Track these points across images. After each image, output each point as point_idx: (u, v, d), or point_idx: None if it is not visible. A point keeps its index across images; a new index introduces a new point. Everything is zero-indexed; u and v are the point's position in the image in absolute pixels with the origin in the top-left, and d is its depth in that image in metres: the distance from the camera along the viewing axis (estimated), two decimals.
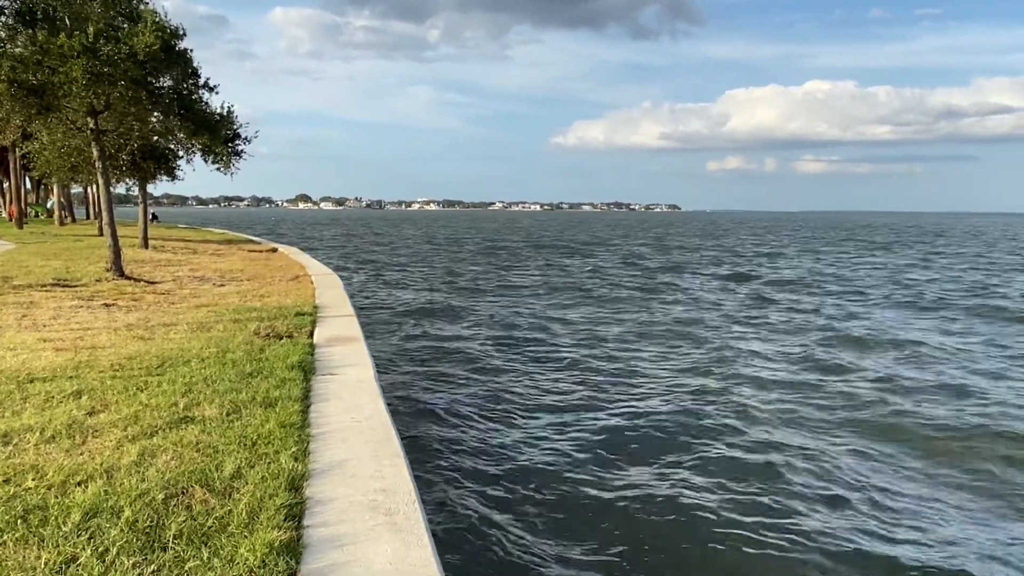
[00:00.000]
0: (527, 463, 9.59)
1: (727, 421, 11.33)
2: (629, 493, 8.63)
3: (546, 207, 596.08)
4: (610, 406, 12.29)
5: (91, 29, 13.46)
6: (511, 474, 9.23)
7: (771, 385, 13.75)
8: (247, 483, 4.30)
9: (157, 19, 14.88)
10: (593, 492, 8.67)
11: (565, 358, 16.03)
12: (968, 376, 14.46)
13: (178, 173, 25.09)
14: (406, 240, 72.71)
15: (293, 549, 3.54)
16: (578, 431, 10.90)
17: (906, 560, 7.17)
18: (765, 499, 8.50)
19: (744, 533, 7.62)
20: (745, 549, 7.32)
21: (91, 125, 15.82)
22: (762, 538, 7.51)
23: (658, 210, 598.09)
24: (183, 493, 4.15)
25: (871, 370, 14.89)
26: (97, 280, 15.05)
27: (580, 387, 13.56)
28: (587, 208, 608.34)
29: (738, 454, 9.94)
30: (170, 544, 3.54)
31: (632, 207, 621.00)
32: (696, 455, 9.89)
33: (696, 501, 8.35)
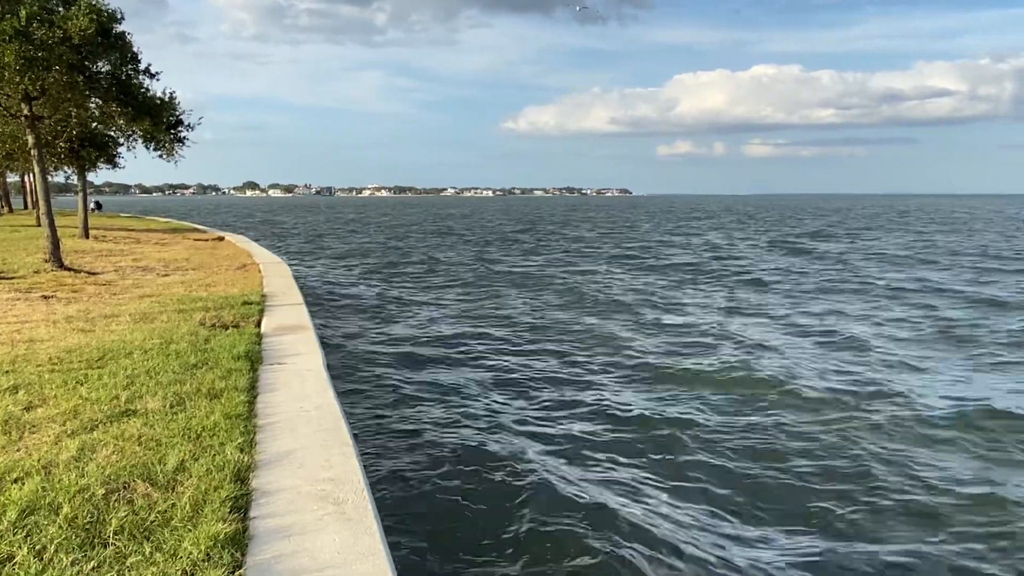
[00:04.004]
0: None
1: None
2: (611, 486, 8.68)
3: (499, 192, 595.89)
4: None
5: (24, 12, 13.04)
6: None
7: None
8: (191, 476, 4.23)
9: (93, 2, 14.45)
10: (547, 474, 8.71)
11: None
12: None
13: (119, 161, 24.50)
14: None
15: (238, 541, 3.50)
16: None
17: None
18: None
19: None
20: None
21: (25, 111, 15.31)
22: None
23: (609, 194, 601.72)
24: (125, 488, 4.07)
25: None
26: (35, 272, 14.61)
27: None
28: (539, 193, 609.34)
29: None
30: (111, 540, 3.47)
31: (584, 192, 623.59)
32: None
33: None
